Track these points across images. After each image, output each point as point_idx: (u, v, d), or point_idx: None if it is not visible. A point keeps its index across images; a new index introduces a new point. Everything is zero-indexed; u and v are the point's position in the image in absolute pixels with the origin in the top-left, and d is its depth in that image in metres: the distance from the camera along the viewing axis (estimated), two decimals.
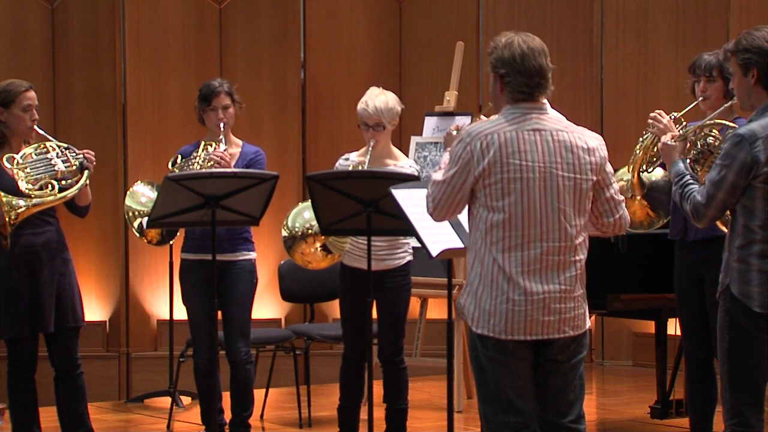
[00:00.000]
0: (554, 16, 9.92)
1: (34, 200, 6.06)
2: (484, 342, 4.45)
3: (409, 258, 6.54)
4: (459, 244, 5.08)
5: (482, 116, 5.33)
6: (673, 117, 5.72)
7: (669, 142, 5.36)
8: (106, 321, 9.85)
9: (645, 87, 9.71)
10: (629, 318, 8.52)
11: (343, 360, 6.59)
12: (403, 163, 6.54)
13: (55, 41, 9.95)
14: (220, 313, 6.54)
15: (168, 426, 7.64)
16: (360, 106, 6.47)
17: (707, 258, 5.78)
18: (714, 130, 5.47)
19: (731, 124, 5.49)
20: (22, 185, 6.05)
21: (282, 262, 8.25)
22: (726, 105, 5.72)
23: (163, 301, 9.28)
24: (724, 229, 5.11)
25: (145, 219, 6.61)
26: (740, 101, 4.92)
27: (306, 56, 10.08)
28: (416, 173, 6.42)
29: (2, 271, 6.12)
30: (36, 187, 6.09)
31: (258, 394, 7.16)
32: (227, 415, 6.88)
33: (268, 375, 7.95)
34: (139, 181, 7.09)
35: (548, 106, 4.56)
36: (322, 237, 6.31)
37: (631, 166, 5.98)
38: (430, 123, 8.60)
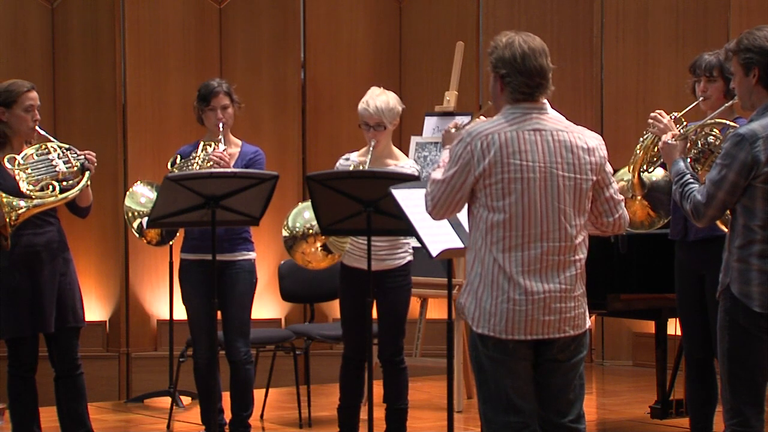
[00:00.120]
0: (554, 16, 9.92)
1: (35, 201, 6.05)
2: (484, 341, 4.45)
3: (410, 258, 6.54)
4: (459, 244, 5.08)
5: (481, 117, 5.32)
6: (673, 117, 5.72)
7: (670, 141, 5.36)
8: (106, 321, 9.85)
9: (645, 87, 9.71)
10: (629, 318, 8.52)
11: (343, 360, 6.59)
12: (403, 163, 6.54)
13: (55, 41, 9.94)
14: (219, 313, 6.54)
15: (168, 426, 7.64)
16: (361, 105, 6.47)
17: (707, 258, 5.78)
18: (715, 130, 5.47)
19: (732, 124, 5.49)
20: (23, 186, 6.05)
21: (282, 262, 8.25)
22: (726, 105, 5.72)
23: (163, 301, 9.28)
24: (725, 229, 5.11)
25: (145, 219, 6.61)
26: (741, 101, 4.92)
27: (306, 56, 10.08)
28: (417, 173, 6.42)
29: (3, 271, 6.12)
30: (37, 187, 6.08)
31: (258, 394, 7.16)
32: (227, 415, 6.88)
33: (268, 375, 7.95)
34: (138, 182, 7.09)
35: (548, 105, 4.56)
36: (323, 237, 6.31)
37: (632, 166, 5.98)
38: (430, 123, 8.60)
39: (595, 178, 4.51)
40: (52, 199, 6.10)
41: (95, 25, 9.88)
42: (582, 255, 4.50)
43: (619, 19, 9.81)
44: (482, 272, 4.44)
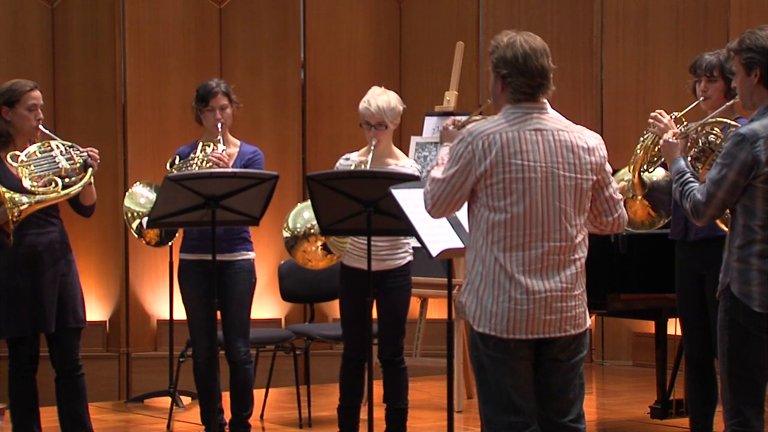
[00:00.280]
0: (554, 16, 9.92)
1: (38, 197, 6.06)
2: (485, 341, 4.44)
3: (410, 258, 6.54)
4: (459, 244, 5.08)
5: (479, 114, 5.33)
6: (673, 117, 5.72)
7: (670, 140, 5.36)
8: (106, 321, 9.85)
9: (645, 87, 9.71)
10: (629, 318, 8.53)
11: (343, 360, 6.59)
12: (404, 162, 6.54)
13: (55, 41, 9.94)
14: (219, 313, 6.54)
15: (168, 426, 7.64)
16: (362, 105, 6.47)
17: (708, 258, 5.78)
18: (716, 129, 5.47)
19: (733, 123, 5.49)
20: (26, 182, 6.06)
21: (282, 262, 8.24)
22: (727, 104, 5.72)
23: (163, 301, 9.28)
24: (725, 229, 5.11)
25: (145, 219, 6.61)
26: (742, 100, 4.92)
27: (306, 56, 10.08)
28: (417, 173, 6.41)
29: (4, 271, 6.12)
30: (40, 184, 6.09)
31: (258, 394, 7.16)
32: (227, 415, 6.88)
33: (268, 375, 7.95)
34: (137, 183, 7.09)
35: (548, 105, 4.56)
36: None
37: (632, 166, 5.98)
38: (430, 123, 8.60)
39: (595, 177, 4.51)
40: (54, 195, 6.11)
41: (95, 25, 9.88)
42: (582, 254, 4.50)
43: (619, 19, 9.81)
44: (483, 271, 4.44)
